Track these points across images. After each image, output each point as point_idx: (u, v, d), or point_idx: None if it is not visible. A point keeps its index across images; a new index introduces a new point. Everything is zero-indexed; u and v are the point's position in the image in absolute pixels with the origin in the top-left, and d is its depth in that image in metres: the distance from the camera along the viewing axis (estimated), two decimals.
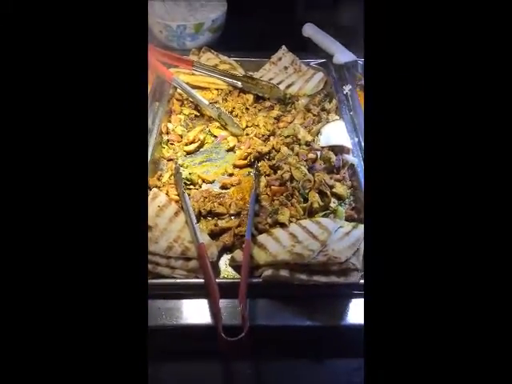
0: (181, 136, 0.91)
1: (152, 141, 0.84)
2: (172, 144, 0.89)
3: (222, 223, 0.74)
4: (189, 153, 0.88)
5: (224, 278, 0.66)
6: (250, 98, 1.01)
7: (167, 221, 0.69)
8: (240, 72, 1.07)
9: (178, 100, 1.00)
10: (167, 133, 0.91)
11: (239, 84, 1.02)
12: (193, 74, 1.03)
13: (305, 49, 1.15)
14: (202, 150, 0.90)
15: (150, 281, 0.61)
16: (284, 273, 0.61)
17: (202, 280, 0.62)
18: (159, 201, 0.72)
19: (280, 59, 1.11)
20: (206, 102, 0.95)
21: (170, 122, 0.94)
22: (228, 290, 0.59)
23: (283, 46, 1.13)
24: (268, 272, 0.62)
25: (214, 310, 0.57)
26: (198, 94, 0.97)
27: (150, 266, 0.62)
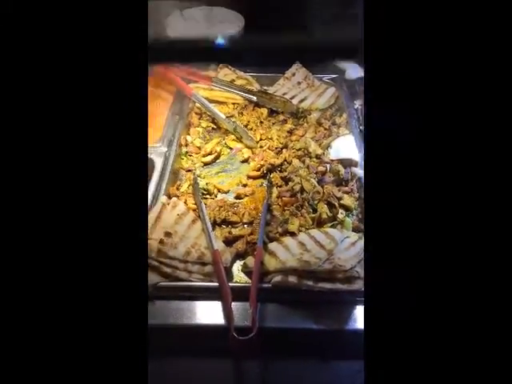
0: (199, 148, 0.97)
1: (172, 152, 0.91)
2: (190, 155, 0.95)
3: (235, 231, 0.79)
4: (206, 164, 0.94)
5: (236, 282, 0.71)
6: (265, 111, 1.06)
7: (185, 228, 0.74)
8: (255, 87, 1.13)
9: (196, 114, 1.06)
10: (186, 145, 0.97)
11: (254, 98, 1.07)
12: (211, 90, 1.09)
13: (317, 65, 1.20)
14: (218, 161, 0.96)
15: (168, 283, 0.67)
16: (292, 279, 0.66)
17: (216, 284, 0.67)
18: (178, 209, 0.77)
19: (294, 74, 1.17)
20: (223, 116, 1.00)
21: (188, 134, 1.00)
22: (240, 294, 0.64)
23: (297, 62, 1.18)
24: (277, 278, 0.67)
25: (227, 312, 0.62)
26: (215, 108, 1.03)
27: (169, 270, 0.68)
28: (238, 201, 0.86)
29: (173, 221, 0.75)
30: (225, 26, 1.25)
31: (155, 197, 0.82)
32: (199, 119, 1.05)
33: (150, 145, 0.93)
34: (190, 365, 0.65)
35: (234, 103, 1.09)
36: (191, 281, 0.68)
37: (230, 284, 0.65)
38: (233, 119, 1.02)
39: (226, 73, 1.15)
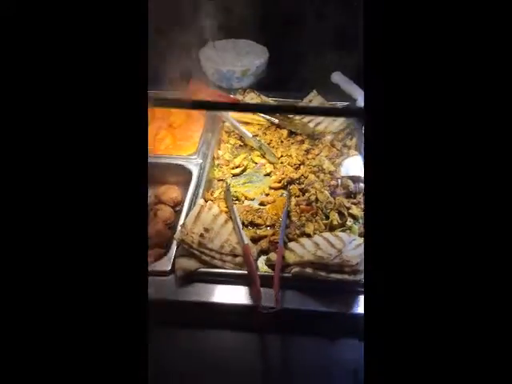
0: (228, 161, 1.13)
1: (207, 164, 1.07)
2: (221, 167, 1.11)
3: (260, 232, 0.94)
4: (234, 175, 1.10)
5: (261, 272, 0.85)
6: (285, 132, 1.22)
7: (220, 227, 0.90)
8: None
9: (226, 132, 1.22)
10: (218, 158, 1.13)
11: (276, 121, 1.24)
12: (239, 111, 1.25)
13: (332, 93, 1.36)
14: (245, 173, 1.11)
15: (207, 269, 0.82)
16: (308, 270, 0.80)
17: (244, 272, 0.82)
18: (214, 211, 0.93)
19: (311, 101, 1.33)
20: (250, 135, 1.17)
21: (219, 149, 1.16)
22: (265, 281, 0.78)
23: (314, 90, 1.34)
24: (296, 269, 0.81)
25: (256, 292, 0.76)
26: (243, 127, 1.19)
27: (207, 258, 0.83)
28: (261, 207, 1.01)
29: (210, 220, 0.90)
30: (251, 57, 1.43)
31: (193, 200, 0.98)
32: (228, 137, 1.21)
33: (188, 156, 1.10)
34: (220, 336, 0.80)
35: (258, 124, 1.25)
36: (225, 268, 0.83)
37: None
38: (258, 138, 1.18)
39: (252, 97, 1.32)
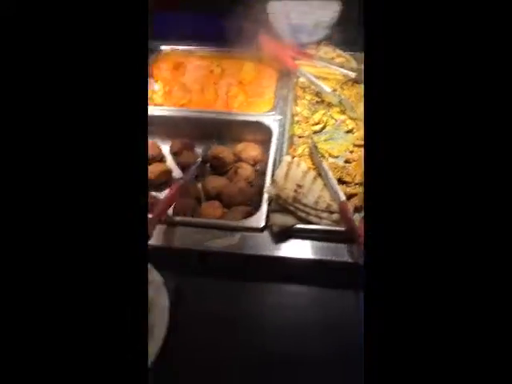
0: (307, 118, 1.07)
1: (287, 120, 1.02)
2: (300, 124, 1.06)
3: (350, 190, 0.89)
4: (315, 132, 1.04)
5: None
6: (363, 88, 1.15)
7: (310, 183, 0.85)
8: (353, 65, 1.21)
9: (300, 88, 1.16)
10: (296, 114, 1.08)
11: (353, 75, 1.16)
12: (314, 66, 1.19)
13: None
14: (325, 130, 1.05)
15: (303, 226, 0.79)
16: None
17: (341, 229, 0.78)
18: (302, 168, 0.88)
19: None
20: (329, 90, 1.10)
21: (297, 105, 1.11)
22: None
23: None
24: None
25: (360, 249, 0.72)
26: (320, 82, 1.13)
27: (303, 215, 0.79)
28: (347, 164, 0.96)
29: (300, 176, 0.86)
30: (323, 10, 1.34)
31: (277, 157, 0.94)
32: (303, 93, 1.15)
33: (265, 113, 1.06)
34: (317, 293, 0.78)
35: (334, 79, 1.18)
36: (322, 225, 0.79)
37: None
38: (337, 93, 1.11)
39: (325, 51, 1.24)
